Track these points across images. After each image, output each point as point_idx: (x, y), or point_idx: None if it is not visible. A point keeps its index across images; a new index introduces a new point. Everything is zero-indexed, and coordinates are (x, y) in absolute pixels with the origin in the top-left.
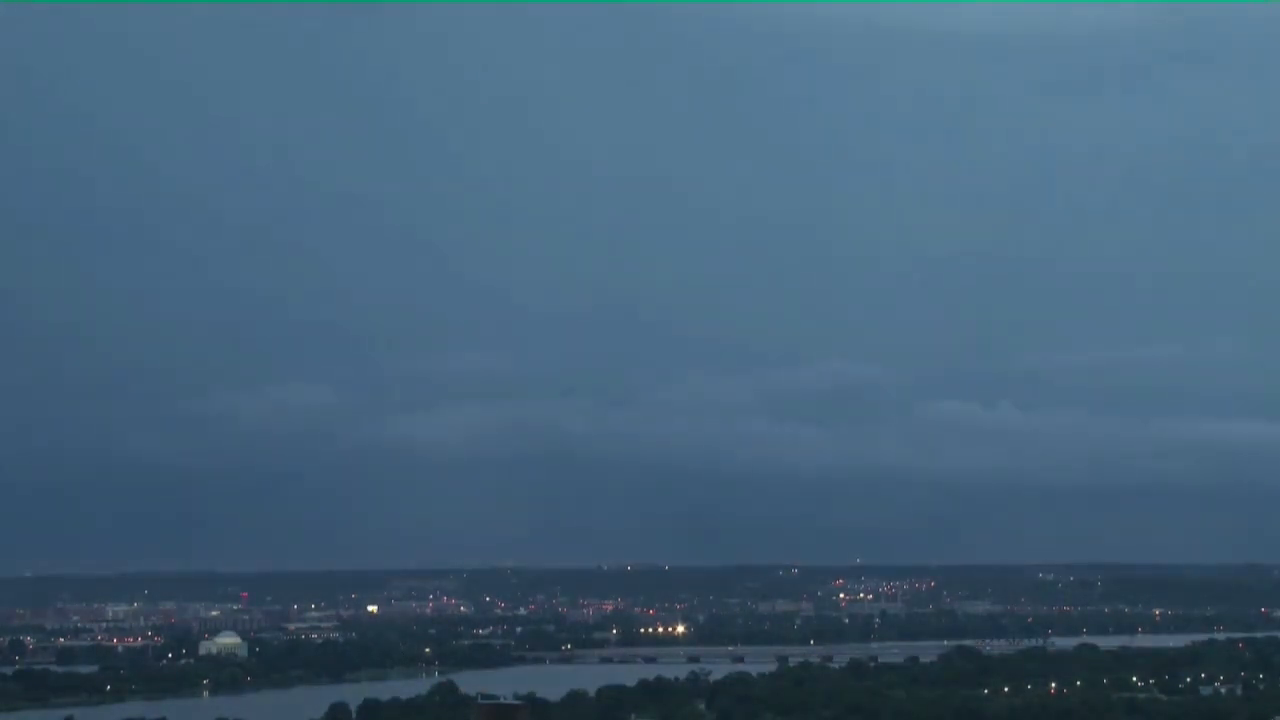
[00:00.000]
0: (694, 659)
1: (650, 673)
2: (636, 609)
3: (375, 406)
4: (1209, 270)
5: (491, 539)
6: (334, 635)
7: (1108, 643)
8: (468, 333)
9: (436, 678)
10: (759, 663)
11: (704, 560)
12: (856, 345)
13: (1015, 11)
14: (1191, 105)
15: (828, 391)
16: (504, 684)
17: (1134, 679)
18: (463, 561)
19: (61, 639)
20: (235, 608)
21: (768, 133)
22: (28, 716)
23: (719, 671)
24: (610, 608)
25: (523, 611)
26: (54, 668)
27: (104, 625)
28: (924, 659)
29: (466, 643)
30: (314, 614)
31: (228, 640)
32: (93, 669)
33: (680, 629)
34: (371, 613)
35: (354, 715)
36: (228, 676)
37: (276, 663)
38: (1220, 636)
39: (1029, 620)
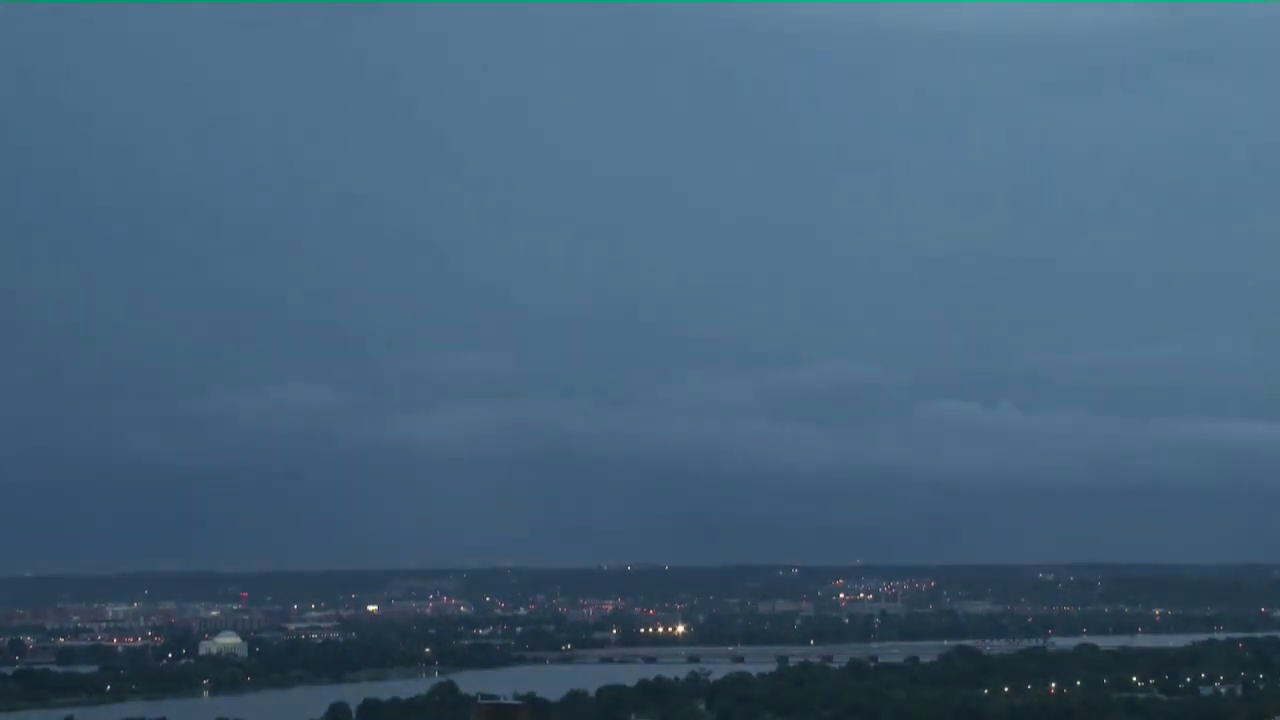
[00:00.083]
0: (694, 659)
1: (650, 673)
2: (636, 609)
3: (375, 406)
4: (1209, 270)
5: (491, 539)
6: (334, 635)
7: (1108, 643)
8: (468, 333)
9: (436, 678)
10: (759, 663)
11: (704, 560)
12: (856, 345)
13: (1015, 11)
14: (1191, 105)
15: (828, 391)
16: (504, 684)
17: (1134, 679)
18: (463, 561)
19: (61, 639)
20: (235, 608)
21: (768, 133)
22: (28, 716)
23: (719, 671)
24: (610, 608)
25: (523, 611)
26: (54, 668)
27: (104, 625)
28: (924, 659)
29: (466, 643)
30: (314, 614)
31: (228, 640)
32: (93, 669)
33: (680, 629)
34: (371, 613)
35: (354, 715)
36: (228, 676)
37: (276, 663)
38: (1220, 636)
39: (1029, 620)
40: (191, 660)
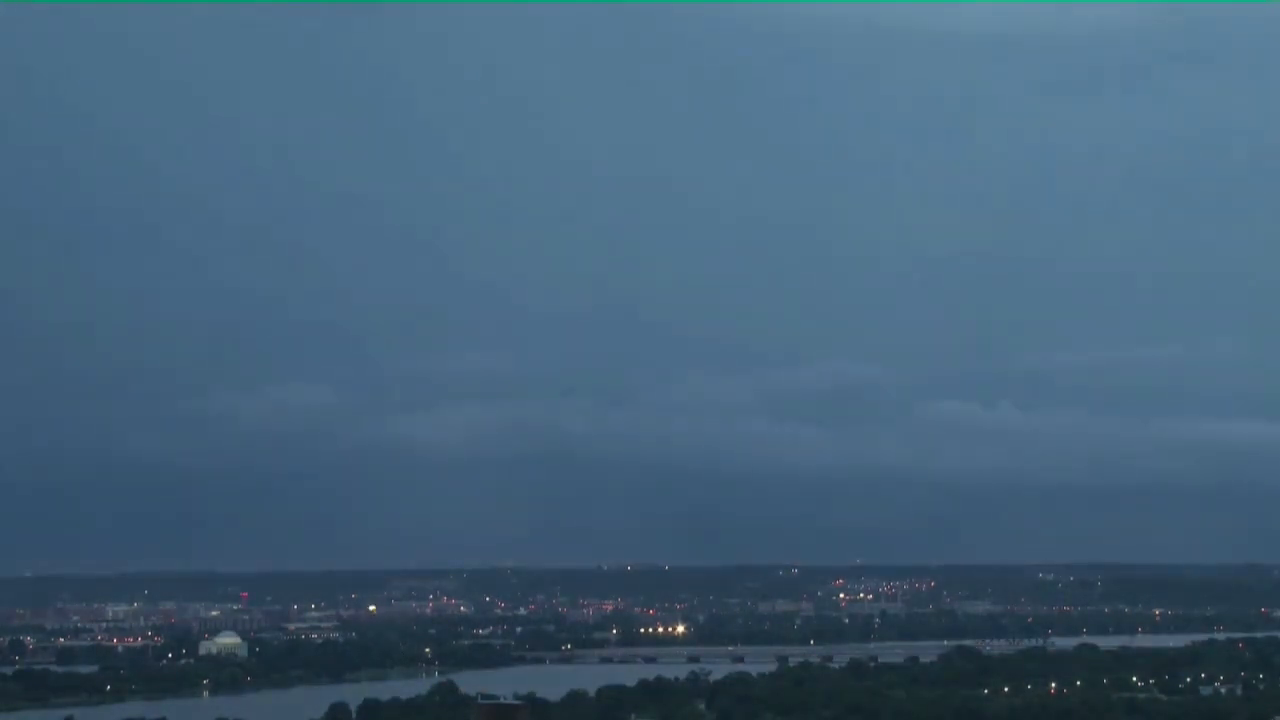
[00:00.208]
0: (694, 659)
1: (650, 673)
2: (636, 609)
3: (375, 406)
4: (1209, 270)
5: (491, 539)
6: (334, 635)
7: (1108, 643)
8: (468, 333)
9: (436, 678)
10: (759, 663)
11: (704, 560)
12: (856, 345)
13: (1015, 11)
14: (1191, 105)
15: (828, 391)
16: (504, 684)
17: (1134, 679)
18: (463, 561)
19: (61, 639)
20: (235, 608)
21: (768, 133)
22: (28, 716)
23: (719, 671)
24: (610, 608)
25: (523, 611)
26: (54, 668)
27: (104, 625)
28: (924, 659)
29: (466, 643)
30: (314, 614)
31: (228, 640)
32: (93, 669)
33: (680, 629)
34: (371, 613)
35: (354, 715)
36: (228, 676)
37: (276, 663)
38: (1220, 636)
39: (1029, 620)
40: (191, 660)
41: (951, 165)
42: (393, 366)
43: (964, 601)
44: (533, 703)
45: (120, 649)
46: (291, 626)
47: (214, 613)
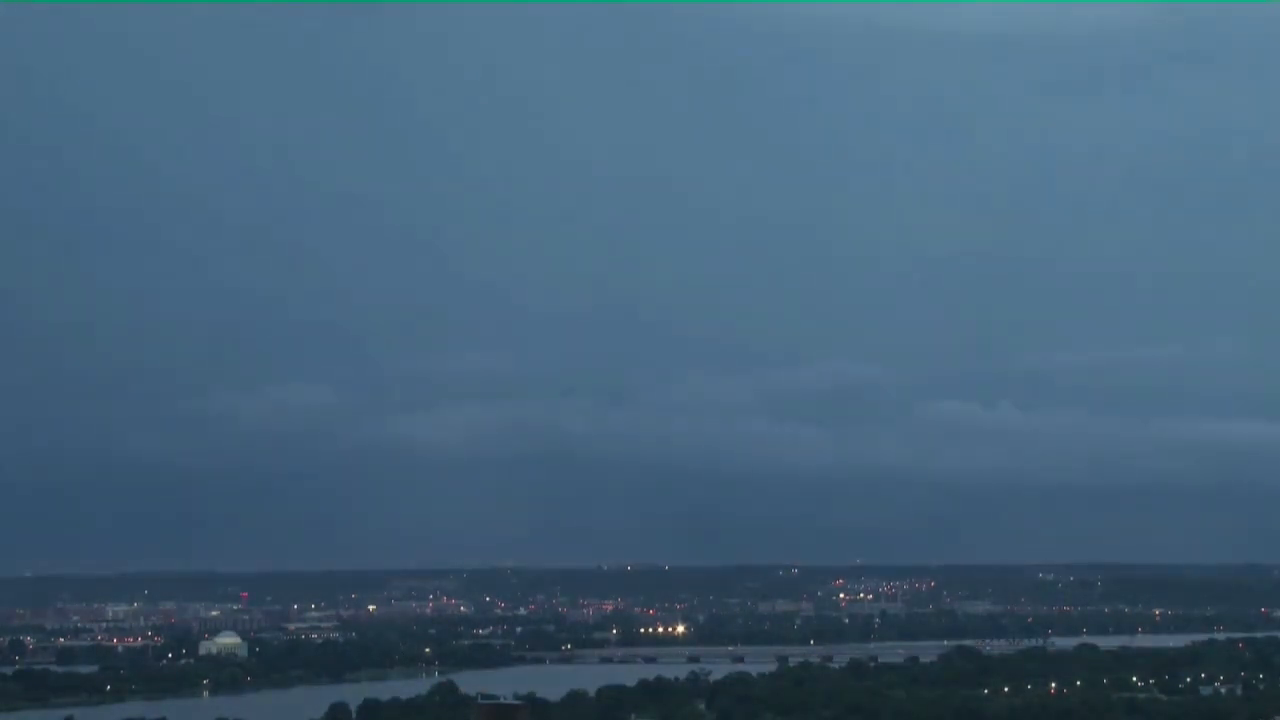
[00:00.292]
0: (694, 659)
1: (650, 673)
2: (636, 609)
3: (375, 406)
4: (1209, 270)
5: (491, 539)
6: (334, 635)
7: (1108, 643)
8: (468, 333)
9: (436, 678)
10: (759, 663)
11: (704, 560)
12: (856, 345)
13: (1015, 11)
14: (1191, 105)
15: (828, 391)
16: (504, 684)
17: (1134, 679)
18: (463, 561)
19: (61, 639)
20: (235, 608)
21: (768, 133)
22: (28, 716)
23: (719, 671)
24: (610, 608)
25: (523, 611)
26: (54, 668)
27: (104, 625)
28: (924, 659)
29: (466, 643)
30: (314, 614)
31: (228, 640)
32: (93, 669)
33: (680, 629)
34: (371, 613)
35: (354, 715)
36: (228, 676)
37: (276, 663)
38: (1220, 636)
39: (1029, 620)
40: (191, 660)
41: (951, 165)
42: (393, 366)
43: (964, 601)
44: (533, 703)
45: (120, 649)
46: (291, 626)
47: (214, 613)
